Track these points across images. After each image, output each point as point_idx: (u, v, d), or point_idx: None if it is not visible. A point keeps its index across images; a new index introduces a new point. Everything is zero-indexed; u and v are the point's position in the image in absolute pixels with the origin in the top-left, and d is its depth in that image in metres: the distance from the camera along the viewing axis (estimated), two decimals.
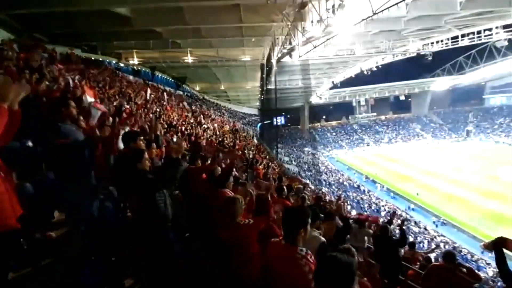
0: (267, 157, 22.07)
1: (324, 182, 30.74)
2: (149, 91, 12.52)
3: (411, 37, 22.11)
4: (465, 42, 21.40)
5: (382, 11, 10.56)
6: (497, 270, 2.79)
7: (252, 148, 18.50)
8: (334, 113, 61.90)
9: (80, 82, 7.03)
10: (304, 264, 1.54)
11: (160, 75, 29.23)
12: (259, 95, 39.33)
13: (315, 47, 16.09)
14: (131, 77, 21.81)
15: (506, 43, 20.90)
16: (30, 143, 2.53)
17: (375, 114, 56.93)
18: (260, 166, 10.91)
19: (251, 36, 19.45)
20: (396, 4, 10.29)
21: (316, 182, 29.78)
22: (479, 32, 20.22)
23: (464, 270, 4.71)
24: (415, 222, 20.75)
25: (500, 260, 2.76)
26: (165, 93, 18.98)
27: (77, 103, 4.49)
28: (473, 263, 14.82)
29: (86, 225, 2.18)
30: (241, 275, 1.96)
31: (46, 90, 4.33)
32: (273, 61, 21.67)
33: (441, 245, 17.27)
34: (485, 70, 42.15)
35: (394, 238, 4.69)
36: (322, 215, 2.93)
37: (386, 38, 22.18)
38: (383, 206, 24.01)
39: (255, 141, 28.38)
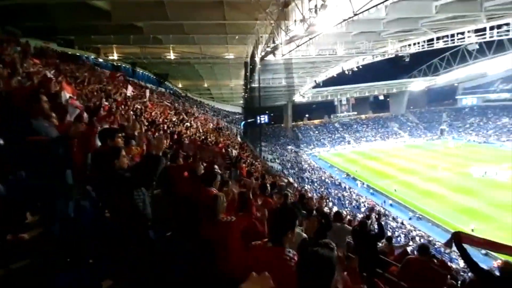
0: (251, 155, 22.12)
1: (307, 180, 31.23)
2: (130, 88, 12.14)
3: (390, 38, 22.84)
4: (440, 44, 22.37)
5: (363, 12, 10.83)
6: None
7: (236, 146, 18.46)
8: (316, 112, 62.92)
9: (56, 78, 6.72)
10: (293, 265, 1.52)
11: (141, 71, 28.45)
12: (243, 93, 39.27)
13: (298, 46, 16.26)
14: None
15: (477, 46, 22.08)
16: (1, 141, 2.39)
17: (355, 113, 58.49)
18: (244, 164, 10.91)
19: (235, 33, 19.33)
20: (376, 6, 10.57)
21: (299, 180, 30.20)
22: (452, 36, 21.19)
23: (436, 261, 4.96)
24: (393, 218, 21.58)
25: (462, 253, 2.96)
26: (147, 90, 18.50)
27: (53, 99, 4.30)
28: (446, 255, 15.62)
29: (61, 226, 2.10)
30: (224, 273, 1.95)
31: (18, 85, 4.11)
32: (257, 59, 21.68)
33: (417, 238, 18.15)
34: (458, 72, 44.44)
35: (372, 232, 4.83)
36: (304, 212, 2.98)
37: (366, 39, 22.77)
38: (363, 202, 24.76)
39: (239, 139, 28.34)
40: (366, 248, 4.46)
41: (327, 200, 23.12)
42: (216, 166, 3.53)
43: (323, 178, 32.51)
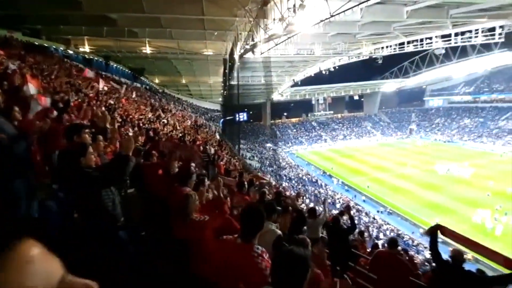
0: (229, 153, 22.02)
1: (285, 177, 31.70)
2: (102, 82, 11.59)
3: (364, 41, 23.70)
4: (410, 48, 23.56)
5: (339, 14, 11.15)
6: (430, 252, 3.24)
7: (214, 144, 18.29)
8: (294, 110, 63.95)
9: (20, 70, 6.27)
10: (260, 262, 1.56)
11: (115, 65, 27.26)
12: (222, 91, 38.92)
13: (276, 45, 16.38)
14: (81, 66, 19.99)
15: (443, 51, 23.49)
16: None
17: (332, 112, 60.23)
18: (222, 162, 10.86)
19: (214, 29, 19.06)
20: (351, 8, 10.91)
21: (277, 177, 30.57)
22: (422, 40, 22.42)
23: (402, 252, 5.26)
24: (366, 213, 22.50)
25: (433, 243, 3.24)
26: (121, 85, 17.77)
27: (15, 92, 4.01)
28: (414, 247, 16.59)
29: (23, 227, 1.97)
30: (197, 273, 1.94)
31: None
32: (236, 56, 21.58)
33: (388, 232, 19.08)
34: (426, 75, 47.15)
35: (344, 227, 5.02)
36: (280, 209, 3.03)
37: (342, 41, 23.46)
38: (338, 198, 25.56)
39: (218, 136, 28.09)
40: (339, 242, 4.63)
41: (304, 197, 23.62)
42: (192, 165, 3.48)
43: (300, 175, 33.16)
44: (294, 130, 55.75)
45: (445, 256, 3.18)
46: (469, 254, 9.46)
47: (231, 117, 39.69)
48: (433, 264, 3.33)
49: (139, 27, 19.66)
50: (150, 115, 14.98)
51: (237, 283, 1.50)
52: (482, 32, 18.29)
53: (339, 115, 61.56)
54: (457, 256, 3.01)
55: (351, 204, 24.50)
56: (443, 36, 21.33)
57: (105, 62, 25.31)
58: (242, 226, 1.68)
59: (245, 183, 5.40)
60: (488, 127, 42.56)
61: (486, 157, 33.61)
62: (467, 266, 3.02)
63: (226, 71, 27.60)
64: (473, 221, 18.66)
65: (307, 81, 44.20)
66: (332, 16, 11.10)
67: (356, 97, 57.77)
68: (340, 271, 4.58)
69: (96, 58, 24.62)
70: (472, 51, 32.56)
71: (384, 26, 19.42)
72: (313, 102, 59.28)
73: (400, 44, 23.87)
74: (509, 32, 16.22)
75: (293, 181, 30.56)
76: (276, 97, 49.93)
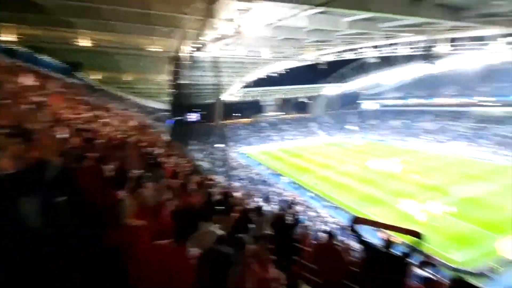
0: (178, 154, 21.27)
1: (236, 177, 31.86)
2: (27, 76, 10.18)
3: (310, 46, 25.16)
4: (349, 55, 25.78)
5: (286, 19, 11.68)
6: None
7: (162, 145, 17.47)
8: (246, 111, 64.67)
9: None
10: (193, 264, 1.60)
11: (45, 58, 24.04)
12: (171, 89, 37.34)
13: (226, 45, 16.40)
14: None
15: (375, 60, 26.27)
16: None
17: (282, 113, 62.60)
18: (169, 164, 10.46)
19: (161, 25, 18.19)
20: (295, 15, 11.50)
21: (228, 178, 30.55)
22: (358, 49, 24.70)
23: (342, 245, 5.74)
24: (312, 208, 23.91)
25: (358, 236, 3.59)
26: (52, 80, 15.79)
27: None
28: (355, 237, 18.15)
29: None
30: (132, 278, 1.87)
31: None
32: (185, 55, 20.98)
33: (333, 225, 20.56)
34: (362, 80, 52.15)
35: (288, 222, 5.22)
36: (222, 209, 3.07)
37: (290, 45, 24.56)
38: (286, 196, 26.64)
39: (166, 137, 26.89)
40: (284, 238, 4.84)
41: (254, 196, 24.02)
42: (131, 168, 3.31)
43: (251, 175, 33.70)
44: (245, 131, 56.40)
45: (376, 242, 3.58)
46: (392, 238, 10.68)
47: (180, 117, 38.37)
48: (364, 251, 3.73)
49: (76, 16, 17.69)
50: (87, 114, 13.63)
51: (171, 285, 1.51)
52: (406, 44, 21.04)
53: (288, 116, 64.28)
54: (386, 242, 3.39)
55: (298, 200, 25.85)
56: (375, 46, 23.85)
57: (32, 54, 22.12)
58: (175, 229, 1.69)
59: (191, 184, 5.34)
60: (412, 128, 48.99)
61: (412, 154, 38.55)
62: (396, 250, 3.44)
63: (176, 69, 26.60)
64: (401, 210, 21.28)
65: (258, 83, 45.19)
66: (279, 20, 11.56)
67: (304, 100, 60.99)
68: (286, 264, 4.79)
69: (22, 49, 21.36)
70: (397, 61, 37.02)
71: (327, 34, 20.91)
72: (264, 103, 60.84)
73: (341, 51, 25.95)
74: (426, 46, 18.94)
75: (244, 181, 30.91)
76: (227, 97, 49.82)
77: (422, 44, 20.06)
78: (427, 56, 19.35)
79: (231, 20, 11.91)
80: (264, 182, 31.30)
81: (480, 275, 13.99)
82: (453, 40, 19.05)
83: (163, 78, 33.91)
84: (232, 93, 47.04)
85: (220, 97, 49.73)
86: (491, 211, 20.45)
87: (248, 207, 6.28)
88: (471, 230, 18.35)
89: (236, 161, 40.11)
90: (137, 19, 16.99)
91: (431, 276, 5.51)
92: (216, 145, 45.97)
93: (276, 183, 31.13)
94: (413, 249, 3.16)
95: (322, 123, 61.79)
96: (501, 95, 41.71)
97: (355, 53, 25.50)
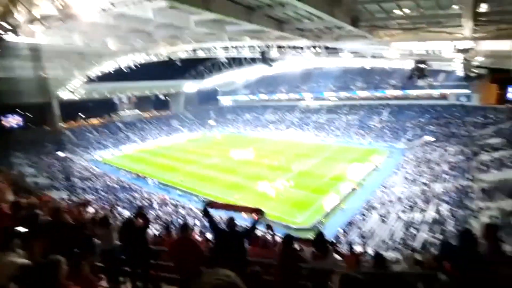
0: None
1: (89, 189, 26.93)
2: None
3: (162, 41, 24.41)
4: (202, 54, 26.97)
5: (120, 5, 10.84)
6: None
7: None
8: (94, 111, 55.31)
9: None
10: None
11: None
12: None
13: (48, 29, 13.43)
14: None
15: (225, 59, 28.81)
16: None
17: (138, 111, 57.64)
18: None
19: None
20: (134, 4, 10.93)
21: (78, 192, 25.49)
22: (210, 48, 26.23)
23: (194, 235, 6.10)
24: (183, 206, 23.88)
25: (210, 222, 4.02)
26: None
27: None
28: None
29: None
30: None
31: None
32: None
33: (204, 219, 21.35)
34: (217, 78, 55.97)
35: (137, 227, 4.77)
36: (26, 231, 2.51)
37: (140, 38, 22.93)
38: (154, 199, 25.28)
39: None
40: (135, 244, 4.50)
41: (114, 207, 21.49)
42: None
43: (109, 183, 29.46)
44: (96, 134, 48.27)
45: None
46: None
47: None
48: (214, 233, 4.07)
49: None
50: None
51: None
52: (249, 48, 24.32)
53: (147, 114, 60.05)
54: (230, 222, 3.90)
55: (167, 200, 25.17)
56: (224, 48, 26.12)
57: None
58: None
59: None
60: (260, 120, 57.53)
61: (261, 142, 45.26)
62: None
63: None
64: (259, 191, 24.86)
65: (107, 78, 39.45)
66: (112, 4, 10.61)
67: (161, 96, 58.26)
68: (142, 271, 4.56)
69: None
70: (245, 61, 42.16)
71: (177, 31, 20.91)
72: (116, 101, 53.89)
73: (194, 49, 26.67)
74: (263, 50, 22.64)
75: (101, 192, 26.66)
76: (66, 95, 40.52)
77: (259, 49, 23.76)
78: (265, 59, 23.05)
79: None
80: (126, 189, 28.18)
81: (312, 228, 18.60)
82: (279, 47, 23.66)
83: None
84: (74, 90, 38.64)
85: (55, 94, 39.85)
86: (316, 179, 27.39)
87: (85, 221, 5.60)
88: (305, 196, 23.91)
89: (88, 170, 33.72)
90: None
91: (269, 237, 7.01)
92: (56, 155, 36.69)
93: (141, 187, 28.77)
94: (258, 222, 3.93)
95: (183, 120, 61.70)
96: (316, 91, 55.78)
97: (206, 52, 26.88)
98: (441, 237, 14.90)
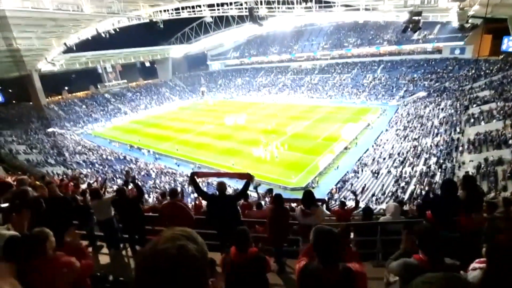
0: None
1: (84, 164, 26.96)
2: None
3: (141, 1, 22.66)
4: (185, 14, 25.23)
5: None
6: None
7: None
8: (79, 83, 53.36)
9: None
10: None
11: None
12: None
13: None
14: None
15: (211, 19, 27.08)
16: None
17: (125, 81, 55.65)
18: None
19: None
20: None
21: (73, 166, 25.55)
22: (194, 7, 24.50)
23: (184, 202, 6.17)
24: (180, 174, 24.26)
25: (196, 188, 4.10)
26: None
27: None
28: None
29: None
30: None
31: None
32: None
33: (201, 185, 21.83)
34: (204, 41, 53.15)
35: (130, 197, 4.78)
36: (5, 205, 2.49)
37: None
38: (151, 169, 25.55)
39: None
40: (129, 212, 4.55)
41: (112, 180, 21.86)
42: None
43: (104, 156, 29.44)
44: (84, 107, 46.99)
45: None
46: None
47: None
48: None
49: None
50: None
51: None
52: (235, 4, 22.78)
53: (134, 84, 58.07)
54: (220, 186, 3.93)
55: (164, 169, 25.48)
56: (209, 6, 24.43)
57: None
58: None
59: None
60: (252, 84, 56.11)
61: (254, 107, 44.72)
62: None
63: None
64: (254, 155, 25.19)
65: (87, 46, 37.29)
66: None
67: (147, 64, 55.49)
68: (137, 238, 4.64)
69: None
70: (233, 21, 39.85)
71: None
72: (101, 71, 51.57)
73: (176, 9, 24.90)
74: (250, 7, 21.22)
75: (97, 165, 26.74)
76: (45, 67, 38.53)
77: (247, 6, 22.24)
78: (253, 17, 21.71)
79: None
80: (122, 160, 28.30)
81: (306, 187, 19.29)
82: (268, 3, 22.23)
83: None
84: (52, 61, 36.57)
85: (34, 66, 37.89)
86: (309, 140, 27.67)
87: (76, 194, 5.64)
88: (300, 157, 24.34)
89: (81, 144, 33.44)
90: None
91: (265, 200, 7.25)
92: (46, 130, 35.99)
93: (136, 158, 28.88)
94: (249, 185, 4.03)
95: (173, 88, 59.94)
96: (308, 51, 53.81)
97: (190, 12, 25.16)
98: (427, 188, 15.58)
